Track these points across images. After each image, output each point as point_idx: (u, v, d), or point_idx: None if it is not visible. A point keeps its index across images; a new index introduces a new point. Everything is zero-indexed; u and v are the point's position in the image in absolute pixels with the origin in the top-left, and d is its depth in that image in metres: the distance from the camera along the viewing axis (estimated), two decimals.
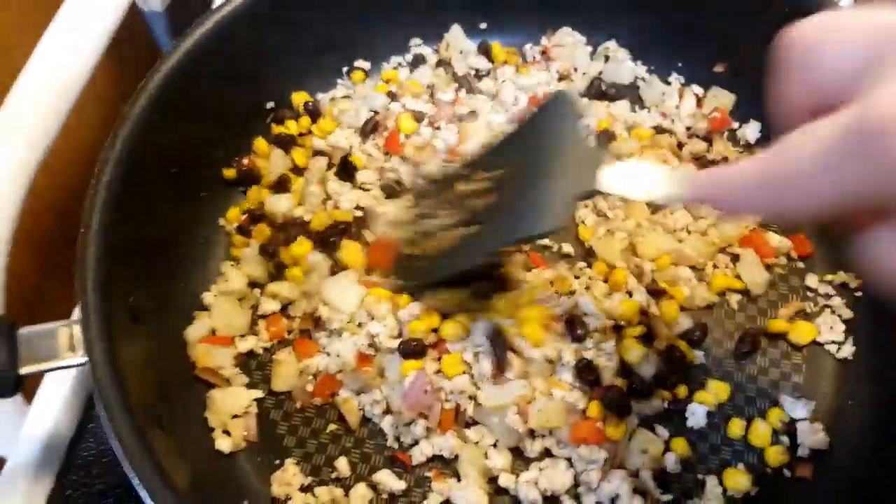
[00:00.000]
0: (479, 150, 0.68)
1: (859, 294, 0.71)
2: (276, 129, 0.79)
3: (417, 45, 0.86)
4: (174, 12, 0.98)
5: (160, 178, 0.67)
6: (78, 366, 0.54)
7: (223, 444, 0.64)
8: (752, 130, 0.79)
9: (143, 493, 0.49)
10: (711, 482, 0.62)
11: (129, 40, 0.79)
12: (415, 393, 0.62)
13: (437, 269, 0.64)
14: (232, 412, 0.65)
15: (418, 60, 0.84)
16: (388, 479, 0.62)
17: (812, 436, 0.63)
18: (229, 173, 0.76)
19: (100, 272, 0.56)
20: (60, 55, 0.73)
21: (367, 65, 0.85)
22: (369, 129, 0.78)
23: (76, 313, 0.71)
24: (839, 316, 0.70)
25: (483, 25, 0.86)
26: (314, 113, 0.80)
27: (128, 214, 0.60)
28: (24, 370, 0.53)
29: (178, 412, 0.62)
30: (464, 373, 0.64)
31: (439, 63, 0.83)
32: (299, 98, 0.81)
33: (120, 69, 0.87)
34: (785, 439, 0.64)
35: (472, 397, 0.63)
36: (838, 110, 0.34)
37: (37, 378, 0.69)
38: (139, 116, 0.63)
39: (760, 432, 0.64)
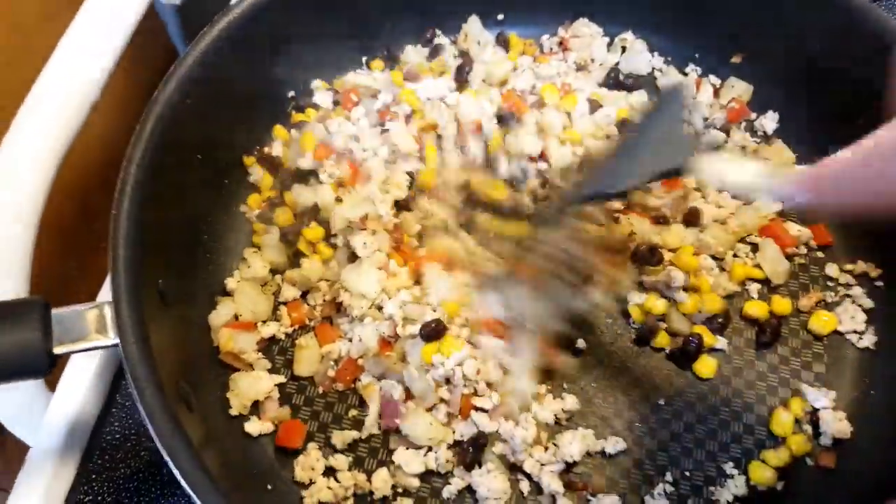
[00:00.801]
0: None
1: (880, 284, 0.71)
2: (297, 118, 0.80)
3: (436, 36, 0.87)
4: (189, 12, 0.99)
5: (186, 165, 0.68)
6: (110, 346, 0.55)
7: (252, 427, 0.64)
8: (770, 121, 0.79)
9: (178, 474, 0.49)
10: (734, 471, 0.62)
11: (146, 39, 0.80)
12: None
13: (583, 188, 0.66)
14: (255, 397, 0.65)
15: (437, 51, 0.85)
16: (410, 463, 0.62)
17: (835, 425, 0.63)
18: (249, 161, 0.77)
19: (131, 254, 0.56)
20: (84, 48, 0.74)
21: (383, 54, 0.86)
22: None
23: (102, 295, 0.72)
24: (860, 306, 0.70)
25: (500, 17, 0.87)
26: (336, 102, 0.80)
27: (155, 199, 0.61)
28: (57, 350, 0.53)
29: (203, 395, 0.62)
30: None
31: (459, 54, 0.84)
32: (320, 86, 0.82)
33: (135, 65, 0.87)
34: (808, 428, 0.64)
35: (490, 384, 0.63)
36: None
37: (60, 364, 0.69)
38: (167, 103, 0.64)
39: (783, 421, 0.64)
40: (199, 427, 0.57)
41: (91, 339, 0.55)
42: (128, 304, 0.54)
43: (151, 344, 0.54)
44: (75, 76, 0.72)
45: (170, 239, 0.65)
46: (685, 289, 0.69)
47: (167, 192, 0.63)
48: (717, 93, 0.82)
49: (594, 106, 0.78)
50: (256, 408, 0.66)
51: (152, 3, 0.80)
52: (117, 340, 0.53)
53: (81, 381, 0.68)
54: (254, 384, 0.66)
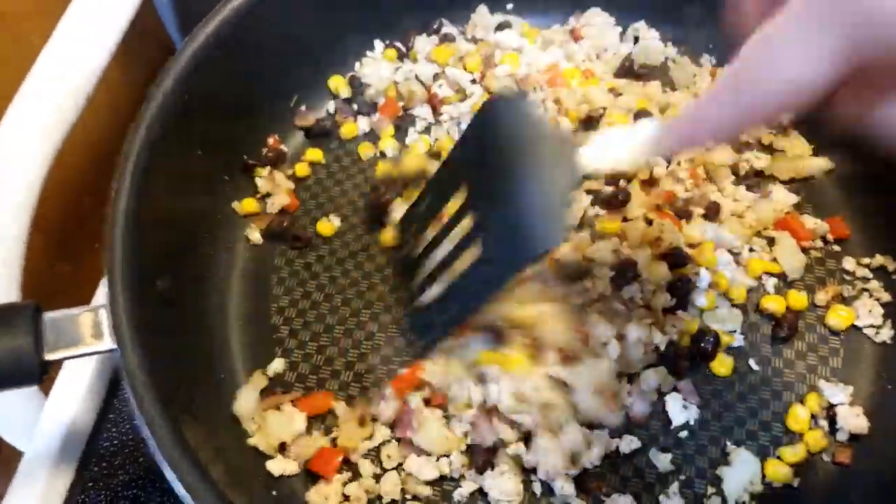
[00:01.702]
0: (447, 159, 0.62)
1: None
2: (301, 122, 0.78)
3: (445, 26, 0.84)
4: (187, 5, 0.96)
5: (184, 161, 0.65)
6: (106, 352, 0.52)
7: (275, 467, 0.60)
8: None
9: (179, 488, 0.47)
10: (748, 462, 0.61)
11: (142, 36, 0.78)
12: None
13: (453, 312, 0.58)
14: (287, 438, 0.61)
15: (445, 40, 0.82)
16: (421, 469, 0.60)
17: (852, 420, 0.62)
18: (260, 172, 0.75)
19: (128, 253, 0.54)
20: (77, 43, 0.71)
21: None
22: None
23: (97, 299, 0.69)
24: (877, 300, 0.68)
25: (510, 6, 0.85)
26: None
27: (153, 195, 0.58)
28: (50, 356, 0.51)
29: (206, 402, 0.60)
30: None
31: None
32: (335, 83, 0.80)
33: (130, 64, 0.85)
34: (824, 424, 0.63)
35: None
36: None
37: (55, 368, 0.67)
38: (164, 98, 0.61)
39: (800, 417, 0.63)
40: (203, 436, 0.54)
41: (86, 344, 0.52)
42: (125, 307, 0.52)
43: (151, 347, 0.52)
44: (67, 72, 0.69)
45: (168, 237, 0.62)
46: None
47: (164, 189, 0.61)
48: None
49: (615, 94, 0.76)
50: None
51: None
52: (114, 346, 0.51)
53: (77, 385, 0.66)
54: (287, 424, 0.61)
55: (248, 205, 0.74)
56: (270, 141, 0.76)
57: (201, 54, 0.65)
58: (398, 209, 0.71)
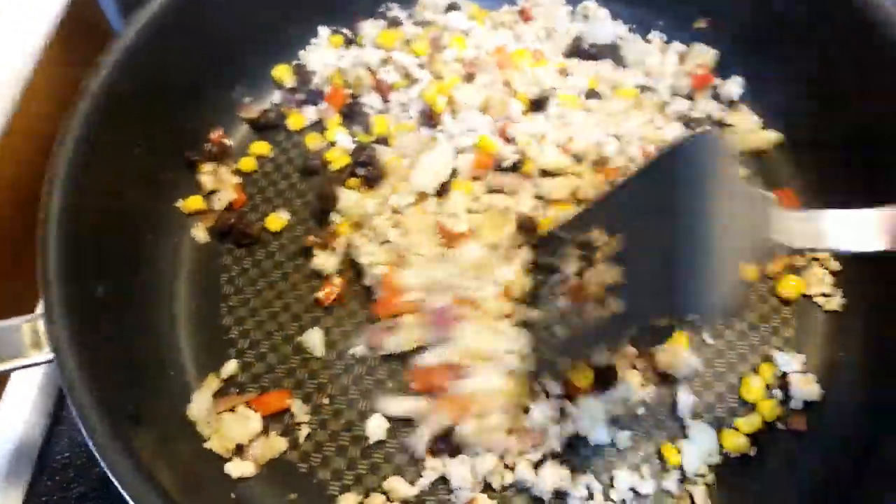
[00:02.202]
0: (599, 200, 0.59)
1: None
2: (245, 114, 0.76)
3: (391, 10, 0.83)
4: None
5: (122, 158, 0.63)
6: (45, 363, 0.51)
7: (234, 469, 0.59)
8: (735, 86, 0.78)
9: (127, 496, 0.46)
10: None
11: (80, 25, 0.74)
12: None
13: (587, 341, 0.55)
14: (243, 440, 0.60)
15: (393, 25, 0.81)
16: (399, 486, 0.60)
17: (805, 388, 0.63)
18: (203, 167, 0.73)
19: (63, 259, 0.52)
20: (5, 37, 0.68)
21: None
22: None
23: (40, 308, 0.67)
24: (827, 269, 0.69)
25: None
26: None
27: (89, 195, 0.57)
28: None
29: (159, 408, 0.59)
30: None
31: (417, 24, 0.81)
32: (280, 72, 0.78)
33: (70, 56, 0.81)
34: (778, 393, 0.64)
35: None
36: None
37: (1, 385, 0.65)
38: (100, 88, 0.59)
39: (753, 387, 0.64)
40: (152, 443, 0.53)
41: (27, 355, 0.51)
42: (60, 314, 0.50)
43: (91, 353, 0.51)
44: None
45: (107, 240, 0.60)
46: None
47: (102, 189, 0.59)
48: (681, 59, 0.80)
49: (565, 74, 0.76)
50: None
51: None
52: (52, 356, 0.50)
53: (24, 400, 0.64)
54: (244, 425, 0.60)
55: (192, 203, 0.72)
56: (214, 135, 0.74)
57: (139, 43, 0.63)
58: (346, 197, 0.71)
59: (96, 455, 0.47)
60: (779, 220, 0.43)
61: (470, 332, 0.61)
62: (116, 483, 0.46)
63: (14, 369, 0.51)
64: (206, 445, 0.60)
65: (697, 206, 0.46)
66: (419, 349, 0.63)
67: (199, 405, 0.61)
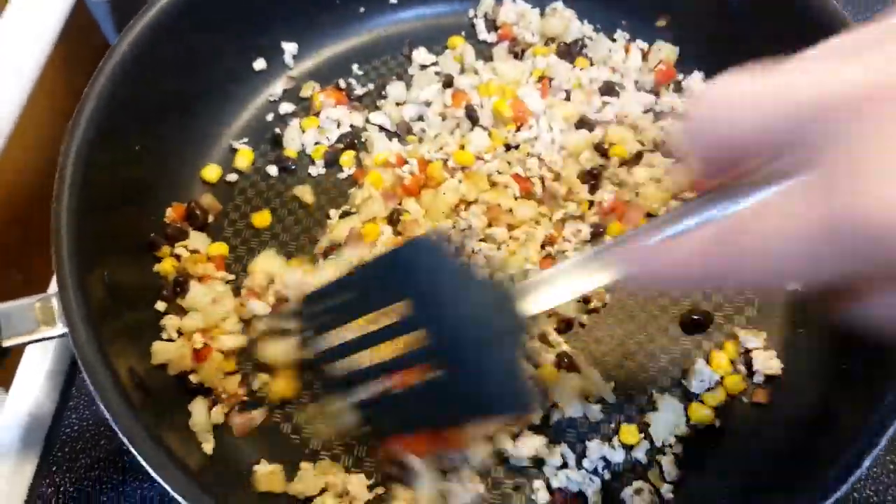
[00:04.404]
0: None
1: None
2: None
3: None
4: (122, 4, 0.97)
5: (127, 159, 0.68)
6: (59, 336, 0.55)
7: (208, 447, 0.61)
8: (696, 81, 0.82)
9: (139, 456, 0.50)
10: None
11: (79, 39, 0.78)
12: None
13: (406, 416, 0.54)
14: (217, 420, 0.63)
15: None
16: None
17: (767, 363, 0.67)
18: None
19: (75, 244, 0.56)
20: (9, 47, 0.73)
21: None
22: None
23: (52, 287, 0.72)
24: None
25: (393, 0, 0.86)
26: None
27: (97, 191, 0.61)
28: (6, 343, 0.54)
29: (164, 386, 0.62)
30: None
31: None
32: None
33: (69, 66, 0.86)
34: (742, 368, 0.68)
35: None
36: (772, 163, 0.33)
37: (14, 362, 0.69)
38: (104, 87, 0.64)
39: (719, 363, 0.68)
40: (156, 411, 0.57)
41: (39, 331, 0.55)
42: (74, 292, 0.55)
43: (101, 329, 0.55)
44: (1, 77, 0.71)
45: (115, 232, 0.65)
46: None
47: (108, 186, 0.64)
48: (644, 56, 0.84)
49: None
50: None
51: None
52: (66, 329, 0.54)
53: (36, 377, 0.68)
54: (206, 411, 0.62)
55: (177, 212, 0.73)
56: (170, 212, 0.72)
57: (130, 58, 0.67)
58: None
59: (110, 421, 0.51)
60: (520, 295, 0.44)
61: None
62: (132, 449, 0.50)
63: (31, 342, 0.56)
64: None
65: (440, 311, 0.45)
66: None
67: (198, 414, 0.62)
